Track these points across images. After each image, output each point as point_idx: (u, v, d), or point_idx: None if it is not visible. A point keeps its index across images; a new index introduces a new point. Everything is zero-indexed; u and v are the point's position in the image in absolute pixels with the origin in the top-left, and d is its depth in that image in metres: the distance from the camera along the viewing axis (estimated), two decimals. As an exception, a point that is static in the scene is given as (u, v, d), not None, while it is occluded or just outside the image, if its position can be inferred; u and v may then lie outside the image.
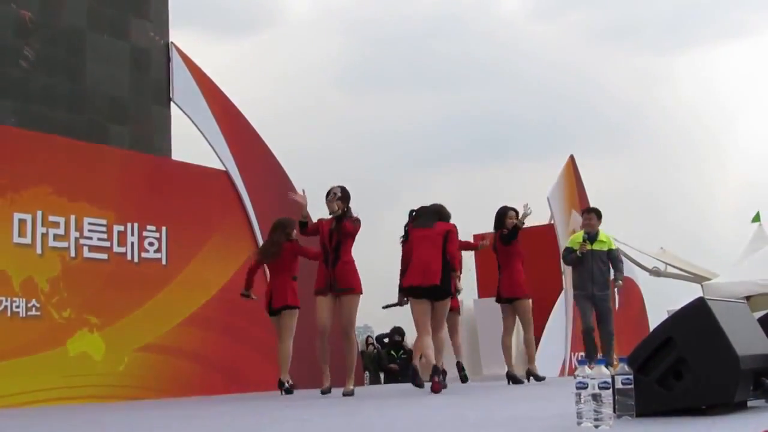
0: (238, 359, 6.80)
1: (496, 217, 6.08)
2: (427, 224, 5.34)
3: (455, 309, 6.22)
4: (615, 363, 3.18)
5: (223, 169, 7.10)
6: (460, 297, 6.28)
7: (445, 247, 5.19)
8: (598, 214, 6.32)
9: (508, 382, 5.99)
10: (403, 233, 5.50)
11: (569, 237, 7.22)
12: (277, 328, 5.96)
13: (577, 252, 6.20)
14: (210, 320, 6.68)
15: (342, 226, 5.16)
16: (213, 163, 7.07)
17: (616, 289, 6.40)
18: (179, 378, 6.38)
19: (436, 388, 5.04)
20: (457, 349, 6.46)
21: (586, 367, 2.29)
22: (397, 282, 5.38)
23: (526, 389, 5.32)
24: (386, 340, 9.67)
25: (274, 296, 5.90)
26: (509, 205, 6.11)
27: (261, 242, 6.88)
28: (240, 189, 7.21)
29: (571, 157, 8.83)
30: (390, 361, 9.37)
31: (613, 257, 6.25)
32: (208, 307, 6.68)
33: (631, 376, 2.47)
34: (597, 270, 6.20)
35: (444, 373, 5.28)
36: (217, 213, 6.99)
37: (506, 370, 6.04)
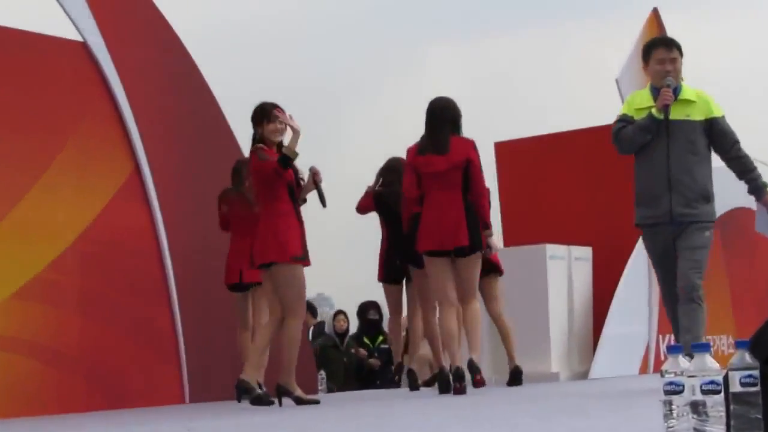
0: (113, 354, 6.43)
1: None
2: (440, 146, 5.40)
3: (495, 268, 6.19)
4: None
5: (80, 39, 6.64)
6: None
7: (470, 188, 5.35)
8: (680, 49, 4.71)
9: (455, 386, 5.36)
10: (377, 179, 6.28)
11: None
12: (243, 308, 6.25)
13: (656, 112, 4.47)
14: (62, 290, 6.37)
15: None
16: (63, 30, 6.64)
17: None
18: (12, 386, 6.09)
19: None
20: (502, 326, 6.28)
21: (680, 357, 2.25)
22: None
23: (569, 394, 5.06)
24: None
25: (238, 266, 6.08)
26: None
27: (144, 156, 6.64)
28: (108, 72, 6.65)
29: (655, 12, 8.37)
30: (368, 354, 8.87)
31: (719, 132, 4.52)
32: (58, 268, 6.34)
33: (756, 372, 2.24)
34: (682, 163, 4.50)
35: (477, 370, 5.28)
36: (70, 110, 6.54)
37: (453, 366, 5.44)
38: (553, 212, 7.73)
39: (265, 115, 5.36)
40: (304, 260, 5.13)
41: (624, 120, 4.64)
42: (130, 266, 6.34)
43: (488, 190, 5.86)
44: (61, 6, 6.45)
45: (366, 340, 9.08)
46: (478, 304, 5.45)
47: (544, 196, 7.82)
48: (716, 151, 4.58)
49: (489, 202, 5.83)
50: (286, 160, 5.15)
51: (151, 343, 6.50)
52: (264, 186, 5.26)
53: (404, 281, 6.20)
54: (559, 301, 6.98)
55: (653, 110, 4.54)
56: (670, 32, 8.39)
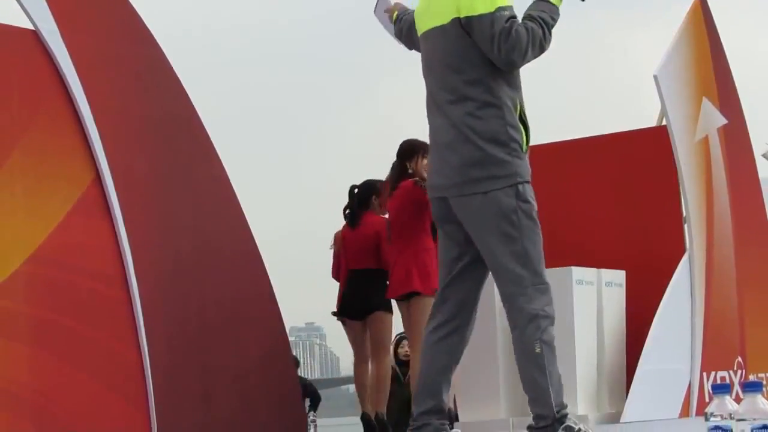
0: (68, 394, 6.44)
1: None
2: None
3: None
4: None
5: (30, 27, 6.63)
6: None
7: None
8: None
9: None
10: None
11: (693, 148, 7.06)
12: (361, 338, 7.75)
13: None
14: (9, 319, 6.34)
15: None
16: (10, 15, 6.65)
17: None
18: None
19: None
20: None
21: (727, 398, 2.29)
22: None
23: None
24: None
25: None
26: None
27: (106, 163, 6.62)
28: (62, 65, 6.61)
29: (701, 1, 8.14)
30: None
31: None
32: (4, 293, 6.34)
33: None
34: None
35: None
36: (18, 109, 6.51)
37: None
38: (580, 229, 7.73)
39: (420, 149, 6.74)
40: None
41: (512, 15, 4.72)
42: (90, 292, 6.36)
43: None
44: (8, -13, 6.60)
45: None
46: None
47: (570, 210, 7.80)
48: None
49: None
50: None
51: (113, 383, 6.51)
52: (415, 220, 6.68)
53: None
54: (588, 333, 6.98)
55: None
56: (720, 22, 8.52)
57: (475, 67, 4.56)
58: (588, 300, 7.11)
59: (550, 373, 4.58)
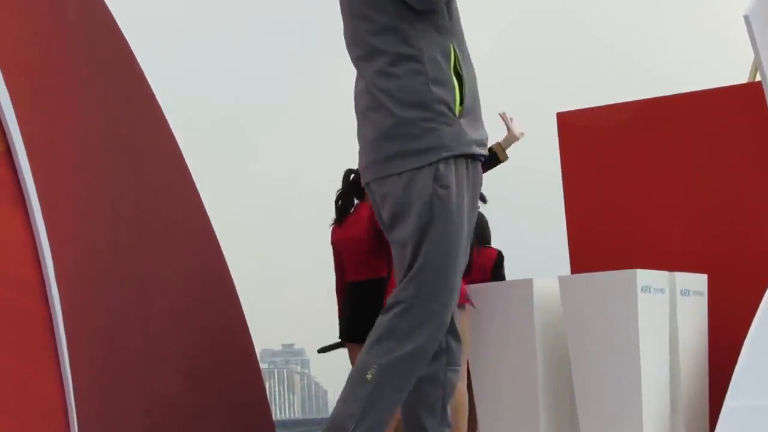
0: None
1: None
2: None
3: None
4: None
5: None
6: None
7: None
8: None
9: None
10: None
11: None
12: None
13: None
14: None
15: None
16: None
17: None
18: None
19: None
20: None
21: None
22: None
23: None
24: None
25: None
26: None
27: (20, 138, 5.90)
28: None
29: None
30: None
31: None
32: None
33: None
34: None
35: None
36: None
37: None
38: (648, 219, 7.06)
39: None
40: None
41: None
42: (-1, 302, 5.91)
43: None
44: None
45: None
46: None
47: (635, 193, 7.16)
48: None
49: None
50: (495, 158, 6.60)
51: (29, 418, 5.81)
52: None
53: None
54: (657, 356, 6.35)
55: None
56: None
57: (383, 11, 4.09)
58: (658, 313, 6.55)
59: (367, 410, 4.06)
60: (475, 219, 4.23)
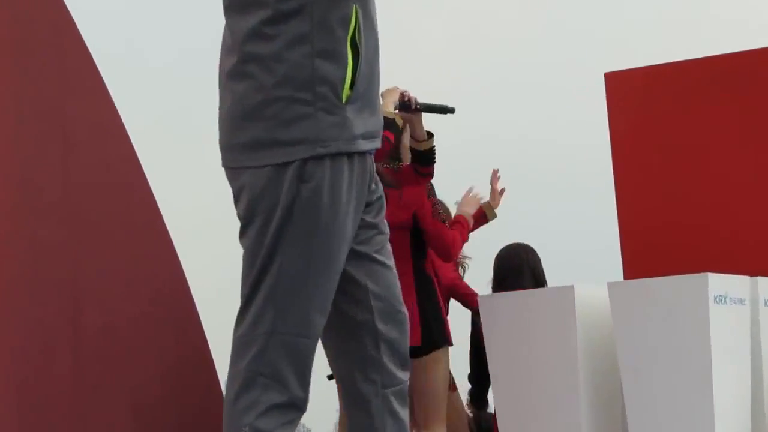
0: None
1: None
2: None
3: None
4: None
5: None
6: None
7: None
8: None
9: None
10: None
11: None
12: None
13: None
14: None
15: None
16: None
17: None
18: None
19: None
20: None
21: None
22: None
23: None
24: None
25: None
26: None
27: None
28: None
29: None
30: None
31: None
32: None
33: None
34: None
35: None
36: None
37: None
38: (719, 210, 6.52)
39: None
40: None
41: None
42: None
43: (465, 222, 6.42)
44: None
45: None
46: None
47: (701, 177, 6.57)
48: None
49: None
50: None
51: None
52: None
53: None
54: (734, 378, 5.89)
55: None
56: None
57: None
58: (735, 328, 6.02)
59: None
60: (357, 225, 3.68)
